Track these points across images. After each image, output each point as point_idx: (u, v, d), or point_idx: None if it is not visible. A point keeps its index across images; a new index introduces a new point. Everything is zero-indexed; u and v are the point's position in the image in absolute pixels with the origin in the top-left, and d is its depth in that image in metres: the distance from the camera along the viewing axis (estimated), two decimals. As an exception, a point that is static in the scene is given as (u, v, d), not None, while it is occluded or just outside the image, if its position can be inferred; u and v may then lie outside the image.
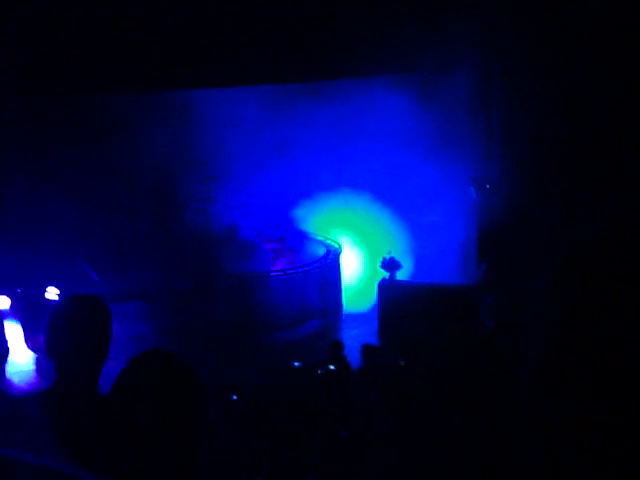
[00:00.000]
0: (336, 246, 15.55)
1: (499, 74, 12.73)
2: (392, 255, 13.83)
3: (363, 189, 15.83)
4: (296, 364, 10.79)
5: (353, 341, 13.48)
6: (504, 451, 5.68)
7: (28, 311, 13.16)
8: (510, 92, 12.57)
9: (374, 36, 11.78)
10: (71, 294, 3.23)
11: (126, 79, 11.84)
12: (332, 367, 9.55)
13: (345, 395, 8.97)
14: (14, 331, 12.43)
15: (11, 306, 13.16)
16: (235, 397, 8.11)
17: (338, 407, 7.90)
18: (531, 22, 10.78)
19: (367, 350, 9.95)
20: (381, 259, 13.96)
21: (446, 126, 14.56)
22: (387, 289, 13.54)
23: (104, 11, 11.06)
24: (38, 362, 12.80)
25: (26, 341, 13.00)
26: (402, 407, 7.07)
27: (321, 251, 15.34)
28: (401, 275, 13.86)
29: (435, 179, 15.20)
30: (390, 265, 13.71)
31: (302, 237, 16.35)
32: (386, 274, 13.76)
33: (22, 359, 12.19)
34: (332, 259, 14.97)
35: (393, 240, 15.08)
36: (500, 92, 12.86)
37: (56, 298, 12.74)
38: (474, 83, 13.58)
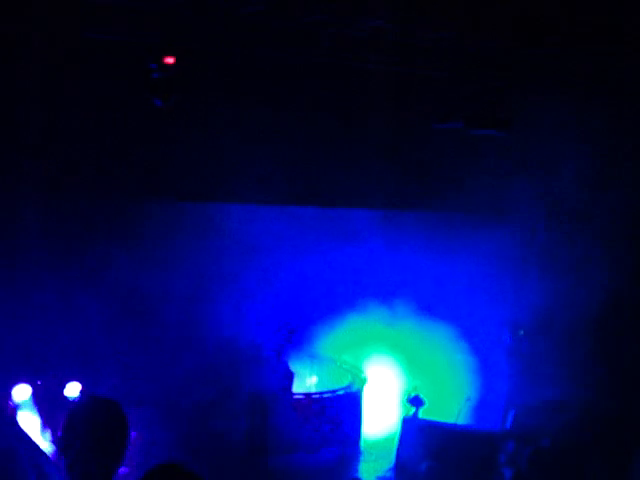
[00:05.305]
0: (362, 376, 16.05)
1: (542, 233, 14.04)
2: (417, 391, 14.30)
3: (400, 316, 16.24)
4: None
5: (369, 475, 13.95)
6: None
7: (47, 405, 13.78)
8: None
9: None
10: (90, 395, 3.58)
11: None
12: None
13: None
14: (31, 423, 12.95)
15: (31, 397, 13.82)
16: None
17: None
18: None
19: None
20: (406, 394, 14.47)
21: (491, 268, 15.37)
22: (408, 425, 13.96)
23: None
24: (53, 457, 13.29)
25: (42, 435, 13.58)
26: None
27: (346, 380, 15.80)
28: (426, 413, 14.27)
29: (469, 319, 15.89)
30: (414, 401, 14.16)
31: (327, 362, 16.83)
32: (410, 409, 14.21)
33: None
34: (356, 389, 15.43)
35: (422, 375, 15.52)
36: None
37: (77, 394, 13.39)
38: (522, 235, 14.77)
